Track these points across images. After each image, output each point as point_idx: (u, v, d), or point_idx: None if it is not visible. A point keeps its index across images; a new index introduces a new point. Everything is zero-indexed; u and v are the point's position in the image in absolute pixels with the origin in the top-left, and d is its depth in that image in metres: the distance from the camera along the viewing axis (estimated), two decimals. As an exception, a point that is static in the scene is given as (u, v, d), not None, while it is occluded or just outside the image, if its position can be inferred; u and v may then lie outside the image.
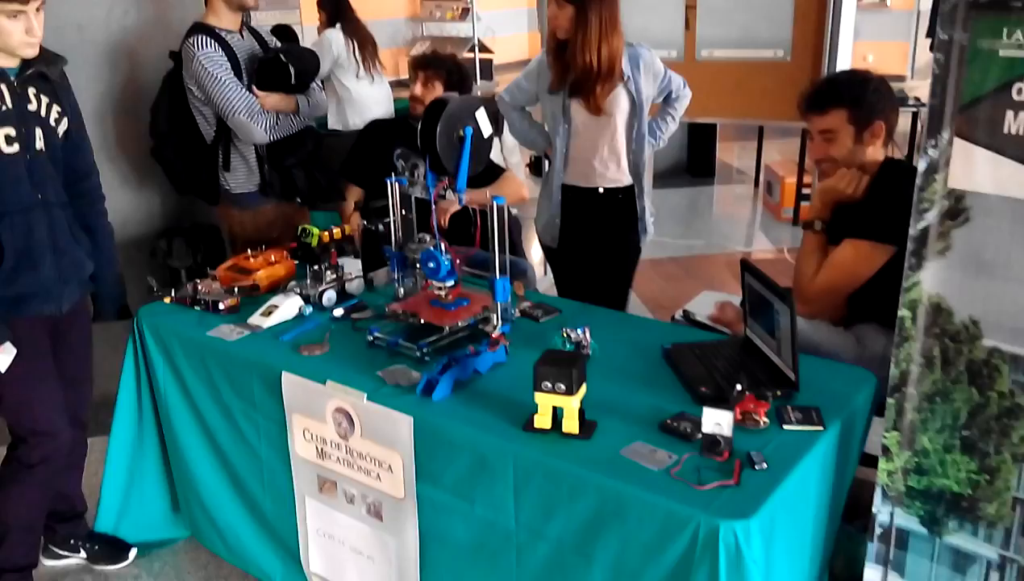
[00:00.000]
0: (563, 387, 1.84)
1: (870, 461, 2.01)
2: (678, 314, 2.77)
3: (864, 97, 2.35)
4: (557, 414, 1.88)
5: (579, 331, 2.23)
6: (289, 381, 2.23)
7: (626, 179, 3.11)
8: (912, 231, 1.72)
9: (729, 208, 6.64)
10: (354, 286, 2.65)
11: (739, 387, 1.93)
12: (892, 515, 1.89)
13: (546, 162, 3.37)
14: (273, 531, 2.50)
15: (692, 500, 1.65)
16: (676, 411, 1.93)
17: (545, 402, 1.87)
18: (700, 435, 1.80)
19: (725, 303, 2.58)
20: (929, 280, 1.72)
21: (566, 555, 1.83)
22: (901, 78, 7.46)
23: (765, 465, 1.74)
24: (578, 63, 2.91)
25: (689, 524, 1.63)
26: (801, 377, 1.98)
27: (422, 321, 2.29)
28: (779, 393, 1.98)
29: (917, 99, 5.47)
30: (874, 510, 1.91)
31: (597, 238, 3.16)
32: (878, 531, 1.91)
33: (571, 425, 1.87)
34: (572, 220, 3.15)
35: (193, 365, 2.49)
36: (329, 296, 2.56)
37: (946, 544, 1.86)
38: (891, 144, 2.51)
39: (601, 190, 3.11)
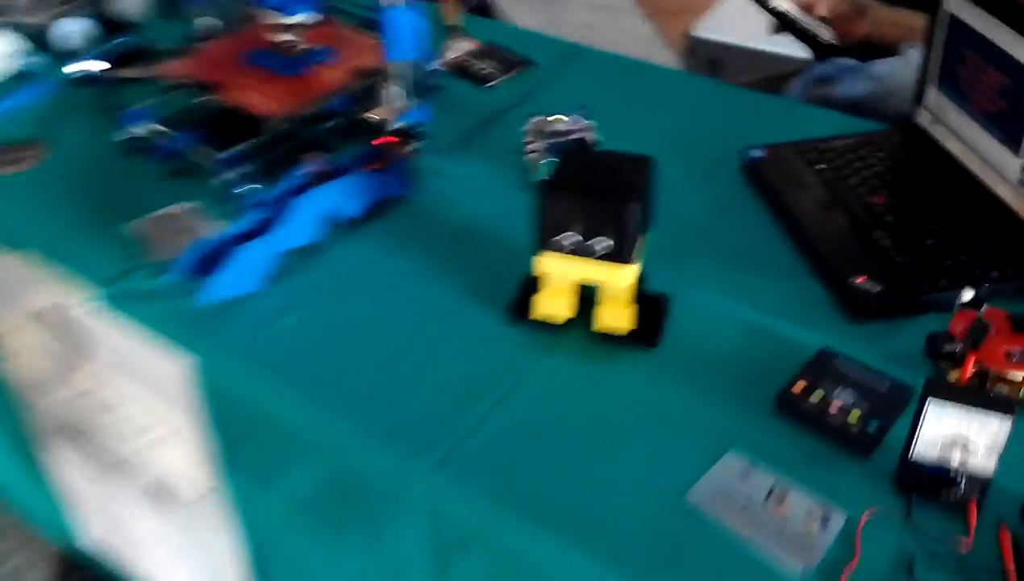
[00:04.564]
0: (611, 244, 0.75)
1: None
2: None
3: None
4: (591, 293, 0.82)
5: (571, 118, 1.04)
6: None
7: None
8: None
9: None
10: (131, 5, 1.37)
11: (970, 295, 0.80)
12: None
13: None
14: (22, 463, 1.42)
15: None
16: (806, 340, 0.81)
17: (562, 272, 0.79)
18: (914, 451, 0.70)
19: None
20: None
21: None
22: None
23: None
24: None
25: None
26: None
27: (229, 103, 1.07)
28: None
29: None
30: None
31: None
32: None
33: (617, 317, 0.81)
34: None
35: None
36: (70, 30, 1.29)
37: None
38: None
39: None
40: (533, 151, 1.03)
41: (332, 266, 0.94)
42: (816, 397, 0.77)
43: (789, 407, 0.77)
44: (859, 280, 0.87)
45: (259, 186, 1.00)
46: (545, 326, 0.85)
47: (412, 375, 0.81)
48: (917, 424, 0.68)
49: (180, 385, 0.88)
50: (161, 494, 1.09)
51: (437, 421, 0.76)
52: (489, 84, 1.24)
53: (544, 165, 1.03)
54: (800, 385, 0.78)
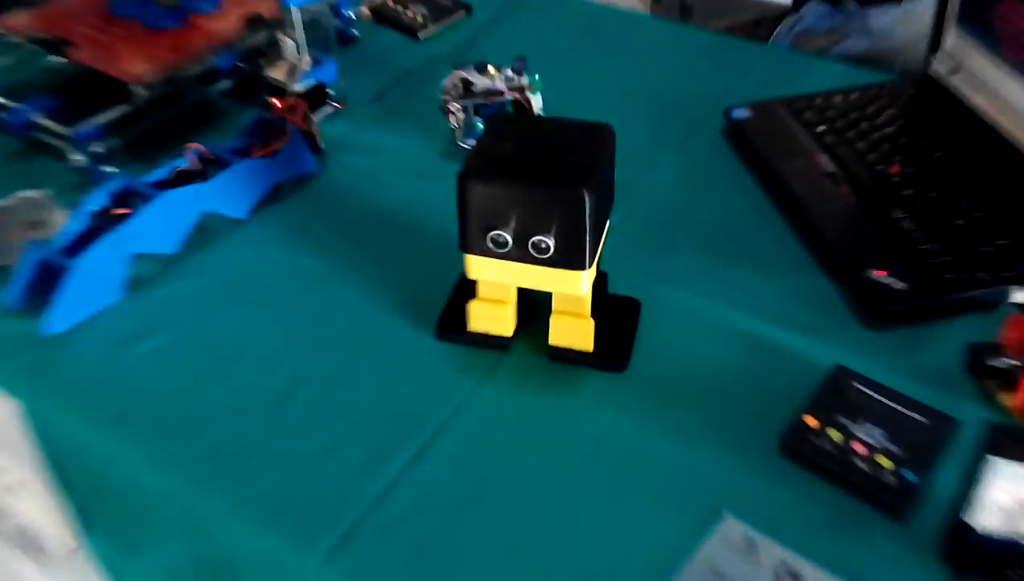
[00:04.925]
0: (557, 245, 0.57)
1: None
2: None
3: None
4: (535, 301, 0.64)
5: (507, 72, 0.84)
6: None
7: None
8: None
9: None
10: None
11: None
12: None
13: None
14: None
15: None
16: (815, 355, 0.63)
17: (497, 280, 0.60)
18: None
19: None
20: None
21: None
22: None
23: None
24: None
25: None
26: None
27: (89, 65, 0.86)
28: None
29: None
30: None
31: None
32: None
33: (573, 332, 0.63)
34: None
35: None
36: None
37: None
38: None
39: None
40: (452, 112, 0.83)
41: (210, 268, 0.74)
42: (833, 435, 0.59)
43: (799, 450, 0.59)
44: (877, 274, 0.69)
45: (116, 170, 0.80)
46: (483, 342, 0.66)
47: (304, 421, 0.61)
48: (974, 483, 0.51)
49: (15, 430, 0.69)
50: (29, 545, 0.90)
51: (334, 489, 0.57)
52: (419, 34, 1.03)
53: (468, 132, 0.83)
54: (812, 419, 0.60)
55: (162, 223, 0.72)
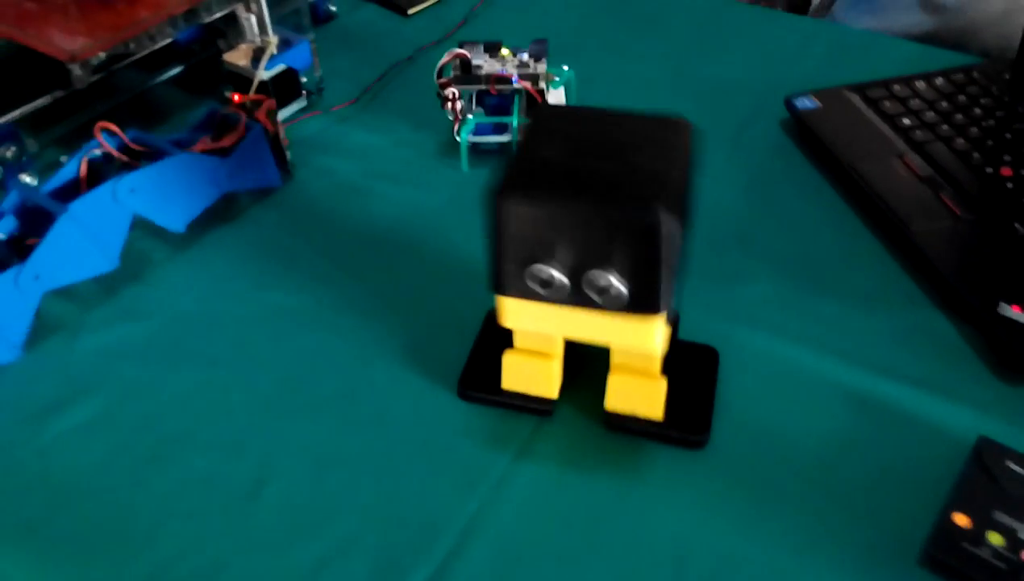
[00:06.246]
0: (617, 286, 0.42)
1: None
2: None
3: None
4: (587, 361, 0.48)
5: (522, 56, 0.68)
6: None
7: None
8: None
9: None
10: None
11: None
12: None
13: None
14: None
15: None
16: (947, 421, 0.48)
17: (540, 328, 0.45)
18: None
19: None
20: None
21: None
22: None
23: None
24: None
25: None
26: None
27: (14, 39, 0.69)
28: None
29: None
30: None
31: None
32: None
33: (638, 396, 0.47)
34: None
35: None
36: None
37: None
38: None
39: None
40: (450, 99, 0.66)
41: (145, 310, 0.57)
42: (995, 540, 0.44)
43: (948, 562, 0.44)
44: (1013, 310, 0.54)
45: (33, 181, 0.63)
46: (520, 406, 0.50)
47: (279, 526, 0.45)
48: None
49: None
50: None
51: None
52: (408, 10, 0.86)
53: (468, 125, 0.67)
54: (962, 518, 0.45)
55: (78, 246, 0.55)
